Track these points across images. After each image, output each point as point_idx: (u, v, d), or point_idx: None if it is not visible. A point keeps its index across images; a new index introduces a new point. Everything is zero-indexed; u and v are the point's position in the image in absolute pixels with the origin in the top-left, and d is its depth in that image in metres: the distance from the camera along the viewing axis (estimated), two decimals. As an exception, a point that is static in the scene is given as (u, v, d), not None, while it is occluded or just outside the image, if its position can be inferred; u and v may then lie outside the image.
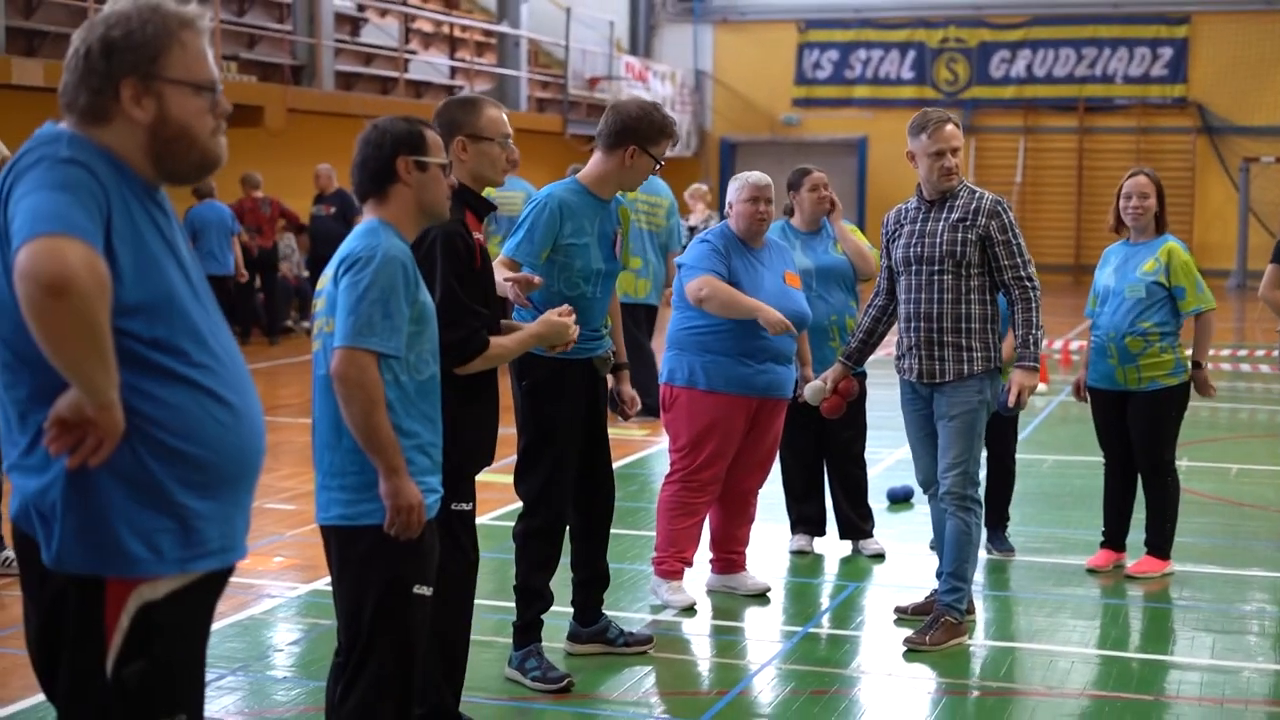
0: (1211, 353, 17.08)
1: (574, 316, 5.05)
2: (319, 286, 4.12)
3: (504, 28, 25.68)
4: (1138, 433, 7.43)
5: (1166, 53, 30.02)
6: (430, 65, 25.42)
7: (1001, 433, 7.74)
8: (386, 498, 3.94)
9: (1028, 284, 6.27)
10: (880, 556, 7.82)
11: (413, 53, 24.92)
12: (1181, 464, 9.07)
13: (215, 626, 6.40)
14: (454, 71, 25.92)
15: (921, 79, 31.14)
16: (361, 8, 24.31)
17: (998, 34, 30.86)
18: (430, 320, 4.12)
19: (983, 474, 7.77)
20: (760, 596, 7.07)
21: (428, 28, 26.42)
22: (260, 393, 3.11)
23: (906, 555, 7.86)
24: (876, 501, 8.65)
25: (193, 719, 3.00)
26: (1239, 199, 28.39)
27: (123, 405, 2.79)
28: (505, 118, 5.00)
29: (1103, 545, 7.67)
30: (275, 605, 6.89)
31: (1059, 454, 10.82)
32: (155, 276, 2.87)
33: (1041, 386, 14.07)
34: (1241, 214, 28.16)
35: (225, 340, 3.02)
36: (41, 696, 6.07)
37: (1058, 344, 17.68)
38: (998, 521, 7.88)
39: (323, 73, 20.73)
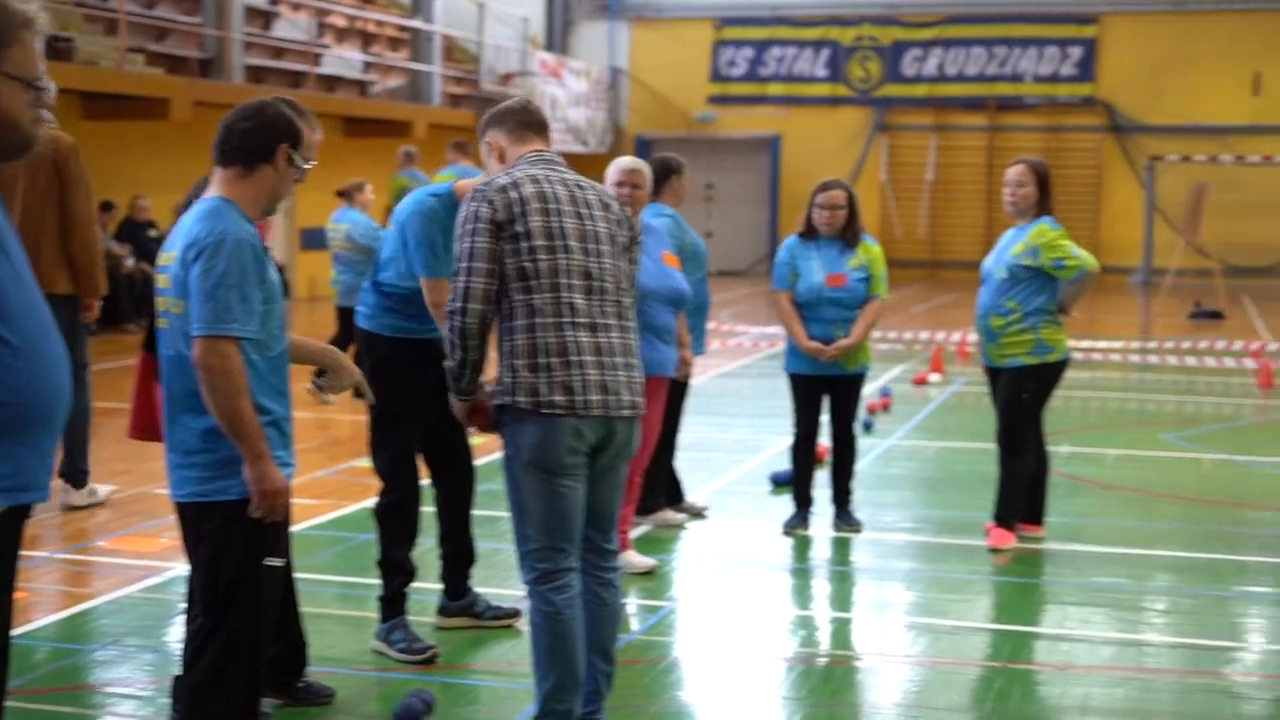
0: (1119, 344, 17.62)
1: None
2: (159, 263, 4.19)
3: (418, 23, 25.70)
4: (997, 408, 7.69)
5: (1076, 52, 30.51)
6: (342, 60, 25.41)
7: (842, 406, 7.95)
8: (253, 483, 4.05)
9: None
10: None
11: (325, 47, 24.91)
12: (1061, 450, 9.33)
13: (93, 604, 6.56)
14: (367, 66, 25.94)
15: (835, 77, 31.46)
16: (274, 1, 24.27)
17: (910, 32, 31.24)
18: (278, 298, 4.20)
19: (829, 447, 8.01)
20: (647, 574, 7.21)
21: (341, 22, 26.41)
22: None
23: (754, 532, 8.08)
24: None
25: None
26: (1144, 197, 28.86)
27: None
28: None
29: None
30: (156, 583, 6.96)
31: (945, 440, 11.04)
32: None
33: (935, 376, 14.34)
34: (1147, 212, 28.64)
35: (28, 295, 3.16)
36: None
37: (955, 336, 17.97)
38: (842, 498, 8.10)
39: (231, 66, 20.68)
